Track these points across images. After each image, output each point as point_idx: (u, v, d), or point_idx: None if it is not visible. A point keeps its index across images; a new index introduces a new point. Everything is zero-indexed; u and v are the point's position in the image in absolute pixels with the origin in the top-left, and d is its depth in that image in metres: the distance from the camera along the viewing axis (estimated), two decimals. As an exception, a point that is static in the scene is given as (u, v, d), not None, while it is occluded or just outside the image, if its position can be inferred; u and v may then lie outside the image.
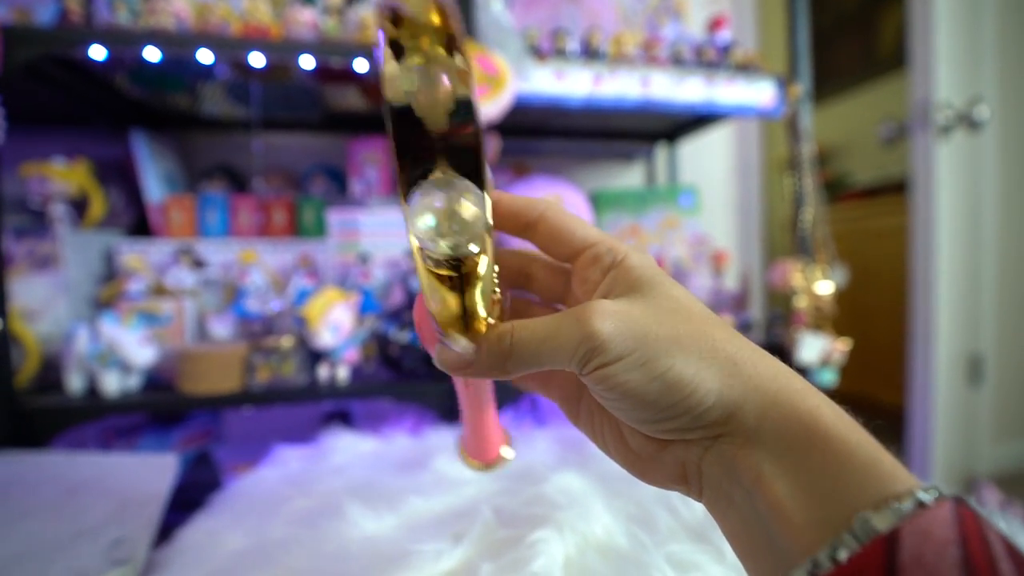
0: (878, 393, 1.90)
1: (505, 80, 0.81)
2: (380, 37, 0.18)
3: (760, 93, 0.99)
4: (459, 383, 0.26)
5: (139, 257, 0.88)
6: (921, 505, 0.16)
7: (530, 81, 0.87)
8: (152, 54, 0.76)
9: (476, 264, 0.19)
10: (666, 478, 0.22)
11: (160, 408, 0.81)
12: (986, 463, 1.40)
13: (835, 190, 2.15)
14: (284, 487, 0.52)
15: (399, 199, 0.20)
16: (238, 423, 1.06)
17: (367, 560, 0.37)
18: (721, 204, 1.48)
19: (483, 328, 0.20)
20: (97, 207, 0.91)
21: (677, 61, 0.97)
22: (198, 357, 0.77)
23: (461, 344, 0.20)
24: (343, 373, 0.82)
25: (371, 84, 0.99)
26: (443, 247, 0.18)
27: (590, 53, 0.93)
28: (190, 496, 0.59)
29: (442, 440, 0.65)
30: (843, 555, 0.16)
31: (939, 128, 1.21)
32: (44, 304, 0.82)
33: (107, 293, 0.87)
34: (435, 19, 0.17)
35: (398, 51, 0.17)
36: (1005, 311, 1.39)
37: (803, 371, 1.00)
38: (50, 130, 1.03)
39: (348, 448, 0.64)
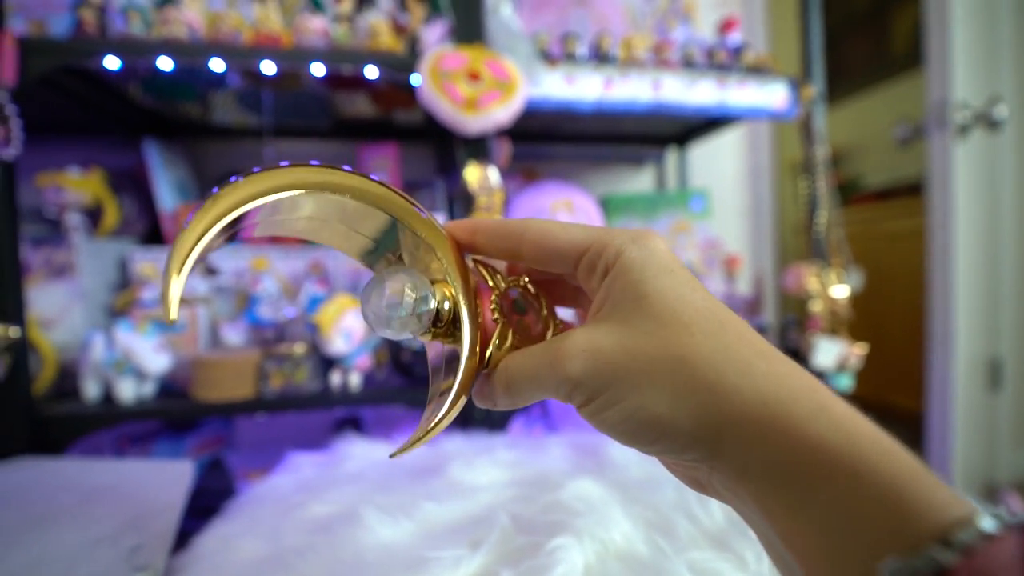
0: (895, 398, 1.87)
1: (516, 85, 0.81)
2: None
3: (772, 95, 0.98)
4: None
5: (152, 265, 0.89)
6: (964, 546, 0.12)
7: (540, 86, 0.87)
8: (165, 64, 0.77)
9: (447, 312, 0.21)
10: (683, 479, 0.21)
11: (174, 415, 0.81)
12: (1007, 470, 1.37)
13: (848, 192, 2.13)
14: (299, 493, 0.52)
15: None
16: (250, 430, 1.06)
17: (384, 567, 0.36)
18: (732, 208, 1.47)
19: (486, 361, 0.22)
20: (111, 216, 0.92)
21: (688, 64, 0.96)
22: (212, 364, 0.77)
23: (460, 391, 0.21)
24: (355, 379, 0.82)
25: (380, 91, 0.99)
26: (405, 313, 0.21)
27: (600, 57, 0.92)
28: (203, 502, 0.59)
29: (456, 447, 0.65)
30: None
31: (956, 128, 1.20)
32: (60, 312, 0.83)
33: (121, 301, 0.88)
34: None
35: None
36: (1024, 313, 1.37)
37: (819, 376, 0.99)
38: (65, 140, 1.04)
39: (362, 454, 0.64)
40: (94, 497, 0.49)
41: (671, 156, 1.37)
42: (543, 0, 1.13)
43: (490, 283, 0.23)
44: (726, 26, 1.02)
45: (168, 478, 0.54)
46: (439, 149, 1.15)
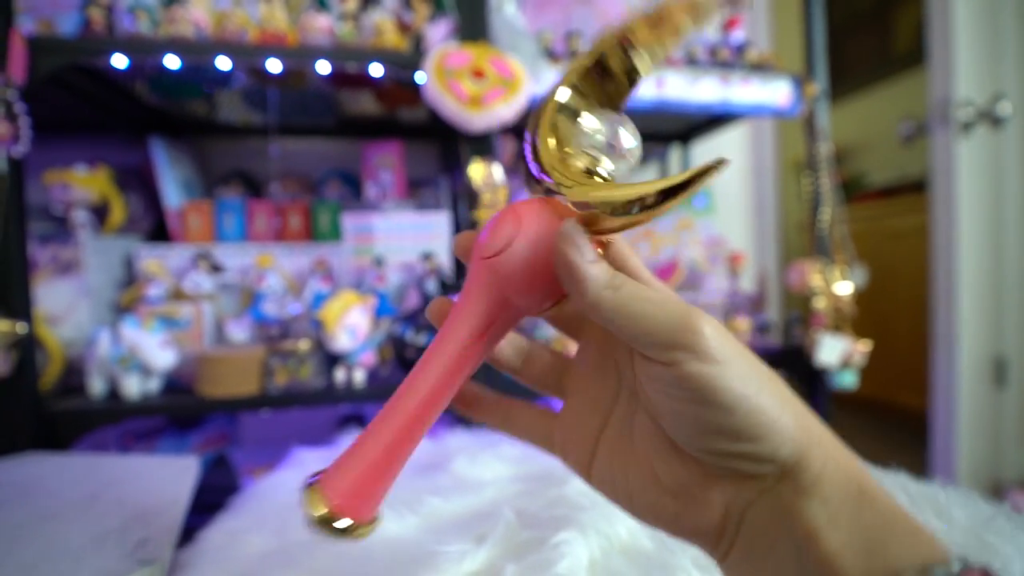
0: (899, 396, 1.87)
1: (520, 82, 0.81)
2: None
3: (776, 92, 0.98)
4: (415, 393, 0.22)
5: (158, 262, 0.89)
6: (957, 573, 0.16)
7: (544, 83, 0.87)
8: (172, 62, 0.77)
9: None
10: (703, 522, 0.20)
11: (180, 411, 0.82)
12: (1013, 468, 1.36)
13: (852, 189, 2.13)
14: (304, 489, 0.52)
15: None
16: (254, 426, 1.06)
17: (390, 561, 0.36)
18: (736, 205, 1.46)
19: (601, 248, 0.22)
20: (117, 213, 0.92)
21: (691, 61, 0.96)
22: (217, 360, 0.78)
23: (587, 253, 0.19)
24: (360, 376, 0.83)
25: (385, 89, 0.99)
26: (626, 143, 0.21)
27: (604, 54, 0.92)
28: (208, 499, 0.59)
29: (460, 443, 0.65)
30: None
31: (959, 125, 1.19)
32: (67, 309, 0.84)
33: (127, 298, 0.88)
34: None
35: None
36: (1030, 312, 1.36)
37: (822, 373, 0.99)
38: (72, 138, 1.05)
39: (366, 450, 0.64)
40: (100, 492, 0.49)
41: (675, 153, 1.37)
42: (548, 1, 1.13)
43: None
44: (729, 24, 1.02)
45: (174, 473, 0.54)
46: (443, 147, 1.16)
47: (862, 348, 0.97)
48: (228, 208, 0.97)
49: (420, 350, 0.83)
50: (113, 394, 0.77)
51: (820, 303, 0.99)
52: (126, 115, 0.99)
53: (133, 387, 0.75)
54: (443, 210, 1.04)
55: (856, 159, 2.30)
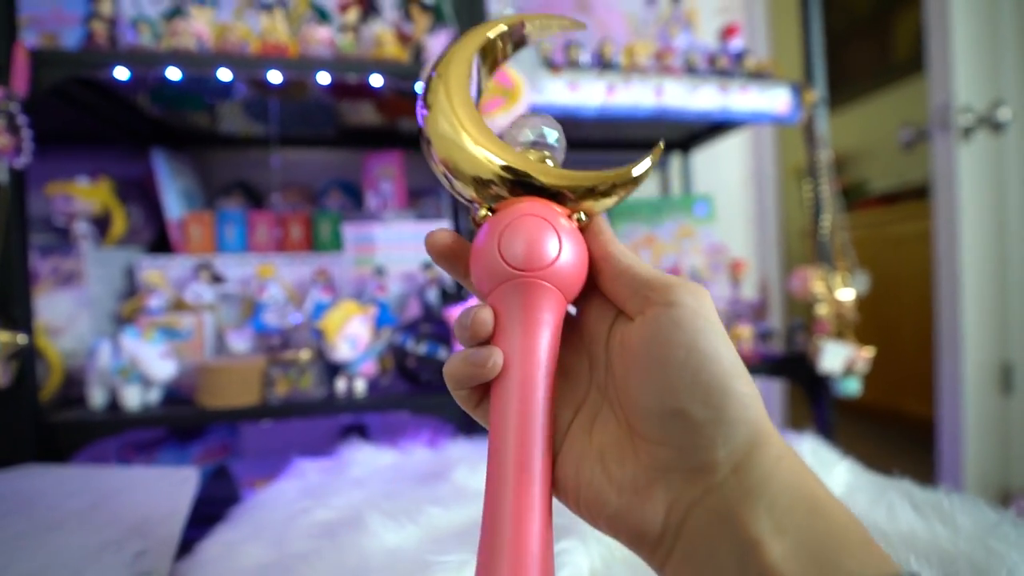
0: (903, 404, 1.85)
1: (519, 92, 0.81)
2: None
3: (775, 100, 0.99)
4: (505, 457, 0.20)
5: (159, 273, 0.90)
6: None
7: (544, 93, 0.88)
8: (174, 74, 0.78)
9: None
10: (645, 521, 0.19)
11: (180, 422, 0.82)
12: (1021, 475, 1.34)
13: (853, 196, 2.13)
14: (304, 500, 0.52)
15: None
16: (255, 437, 1.06)
17: (389, 572, 0.36)
18: (737, 213, 1.46)
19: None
20: (119, 224, 0.93)
21: (690, 70, 0.97)
22: (217, 371, 0.77)
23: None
24: (361, 386, 0.82)
25: (385, 99, 1.00)
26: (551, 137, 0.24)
27: (603, 64, 0.93)
28: (208, 511, 0.59)
29: (461, 452, 0.64)
30: None
31: (960, 131, 1.20)
32: (68, 320, 0.84)
33: (128, 308, 0.88)
34: None
35: None
36: (1035, 317, 1.35)
37: (826, 380, 0.98)
38: (74, 150, 1.06)
39: (367, 461, 0.63)
40: (99, 503, 0.49)
41: (675, 162, 1.38)
42: (546, 8, 1.14)
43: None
44: (728, 32, 1.03)
45: (173, 485, 0.54)
46: (443, 157, 1.16)
47: (865, 355, 0.96)
48: (229, 219, 0.98)
49: (420, 359, 0.83)
50: (113, 405, 0.77)
51: (823, 310, 0.99)
52: (128, 127, 1.00)
53: (133, 398, 0.75)
54: (444, 220, 1.04)
55: (857, 166, 2.30)
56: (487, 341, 0.22)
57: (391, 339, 0.86)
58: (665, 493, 0.19)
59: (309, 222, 1.03)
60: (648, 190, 1.40)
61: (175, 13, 0.85)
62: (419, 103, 0.24)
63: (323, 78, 0.82)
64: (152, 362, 0.75)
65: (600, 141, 1.25)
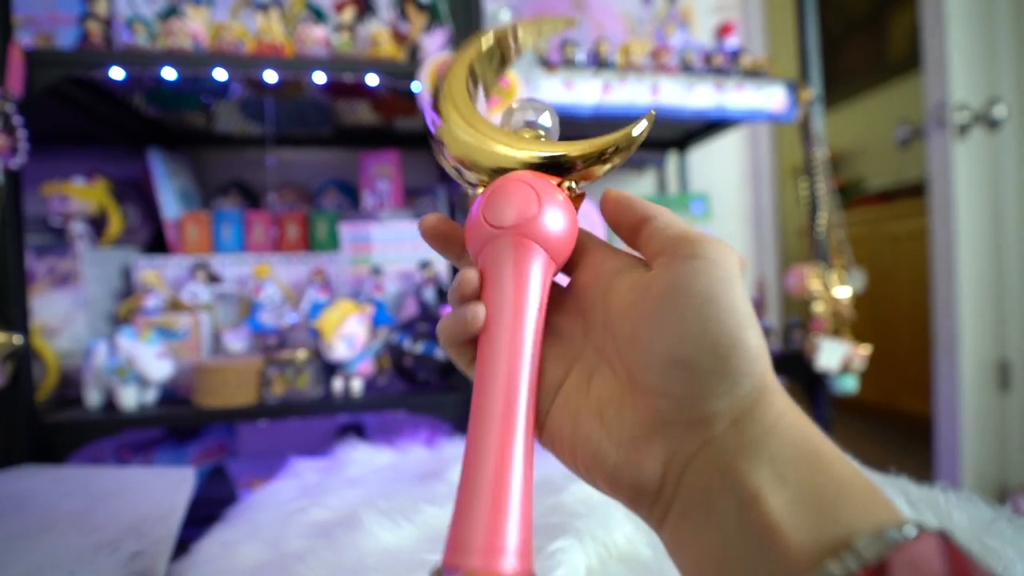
0: (900, 401, 1.85)
1: (515, 91, 0.81)
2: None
3: (771, 98, 0.99)
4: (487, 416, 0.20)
5: (156, 273, 0.89)
6: (912, 536, 0.15)
7: (540, 91, 0.88)
8: (169, 74, 0.78)
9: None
10: (643, 476, 0.19)
11: (177, 422, 0.82)
12: (1018, 473, 1.35)
13: (849, 194, 2.13)
14: (300, 499, 0.52)
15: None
16: (252, 438, 1.06)
17: (385, 571, 0.36)
18: (733, 211, 1.46)
19: None
20: (115, 224, 0.93)
21: (686, 68, 0.97)
22: (214, 371, 0.77)
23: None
24: (357, 385, 0.82)
25: (381, 99, 1.00)
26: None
27: (599, 63, 0.93)
28: (205, 511, 0.59)
29: (458, 451, 0.64)
30: (846, 572, 0.15)
31: (956, 128, 1.20)
32: (64, 320, 0.84)
33: (125, 309, 0.88)
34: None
35: None
36: (1031, 314, 1.35)
37: (823, 377, 0.98)
38: (70, 150, 1.06)
39: (364, 460, 0.63)
40: (95, 504, 0.49)
41: (671, 160, 1.38)
42: (542, 7, 1.14)
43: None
44: (723, 31, 1.03)
45: (169, 484, 0.54)
46: (440, 156, 1.16)
47: (862, 352, 0.96)
48: (226, 218, 0.98)
49: (417, 358, 0.83)
50: (110, 405, 0.77)
51: (819, 307, 0.99)
52: (124, 127, 1.00)
53: (130, 398, 0.75)
54: (440, 218, 1.04)
55: (853, 164, 2.30)
56: (475, 300, 0.22)
57: (388, 338, 0.86)
58: (664, 446, 0.19)
59: (305, 221, 1.03)
60: (645, 189, 1.40)
61: (170, 13, 0.85)
62: (431, 114, 0.26)
63: (319, 77, 0.82)
64: (149, 362, 0.75)
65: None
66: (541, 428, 0.22)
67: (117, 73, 0.77)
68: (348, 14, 0.87)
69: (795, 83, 1.00)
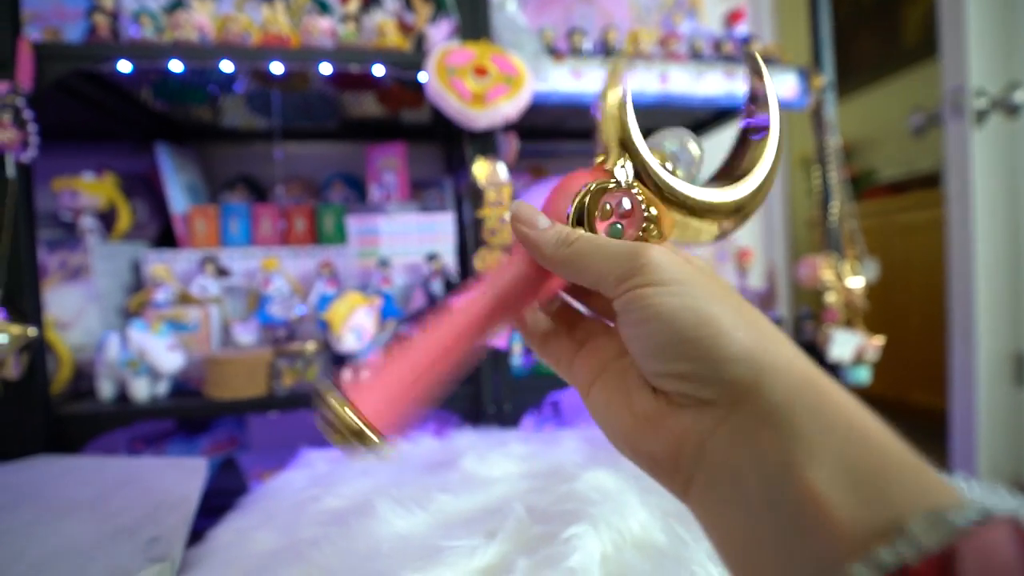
0: (912, 395, 1.83)
1: (523, 80, 0.81)
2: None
3: (782, 85, 0.97)
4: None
5: (165, 267, 0.90)
6: (978, 522, 0.13)
7: (547, 81, 0.87)
8: (176, 66, 0.78)
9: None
10: (656, 449, 0.20)
11: (188, 413, 0.82)
12: (1033, 465, 1.33)
13: (861, 185, 2.10)
14: (313, 488, 0.52)
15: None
16: (263, 430, 1.06)
17: (400, 557, 0.36)
18: (743, 202, 1.45)
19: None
20: (124, 219, 0.93)
21: (695, 56, 0.96)
22: (224, 363, 0.78)
23: (539, 222, 0.23)
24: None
25: (387, 90, 1.00)
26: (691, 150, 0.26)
27: (607, 51, 0.92)
28: (217, 502, 0.59)
29: (468, 441, 0.64)
30: (901, 560, 0.13)
31: (974, 114, 1.18)
32: (76, 314, 0.84)
33: (135, 302, 0.89)
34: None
35: None
36: (1048, 305, 1.33)
37: (835, 368, 0.97)
38: (79, 146, 1.06)
39: (374, 450, 0.63)
40: (111, 491, 0.49)
41: (680, 151, 1.36)
42: (550, 0, 1.13)
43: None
44: (733, 18, 1.02)
45: (183, 473, 0.54)
46: (446, 148, 1.16)
47: (875, 343, 0.95)
48: (233, 212, 0.98)
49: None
50: (122, 397, 0.77)
51: (832, 298, 0.98)
52: (132, 122, 1.00)
53: (142, 390, 0.76)
54: (447, 211, 1.04)
55: (865, 155, 2.28)
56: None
57: (396, 330, 0.86)
58: (676, 424, 0.20)
59: (313, 215, 1.03)
60: (653, 180, 1.39)
61: (177, 5, 0.85)
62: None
63: (325, 68, 0.82)
64: (160, 354, 0.75)
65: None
66: (587, 396, 0.24)
67: (124, 66, 0.77)
68: (353, 4, 0.87)
69: (807, 70, 0.99)
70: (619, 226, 0.24)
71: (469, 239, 0.95)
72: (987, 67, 1.19)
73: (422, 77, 0.82)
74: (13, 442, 0.68)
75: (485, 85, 0.79)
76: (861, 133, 2.28)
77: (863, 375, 0.97)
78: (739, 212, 0.25)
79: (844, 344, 0.94)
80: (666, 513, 0.42)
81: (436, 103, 0.80)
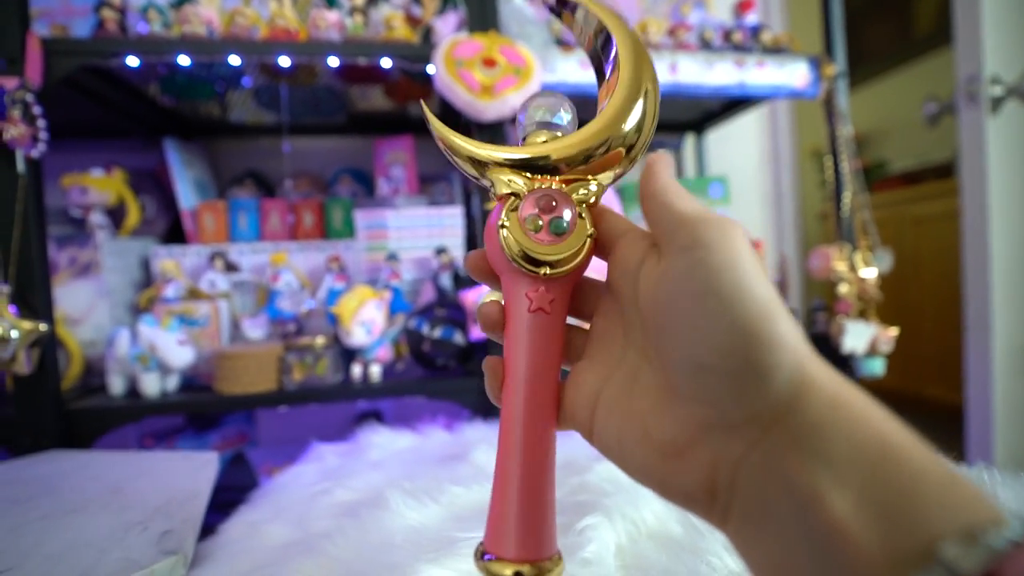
0: (930, 390, 1.81)
1: (531, 70, 0.80)
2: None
3: (793, 74, 0.96)
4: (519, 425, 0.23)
5: (174, 262, 0.90)
6: (1017, 543, 0.13)
7: (556, 71, 0.86)
8: (184, 61, 0.78)
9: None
10: (689, 483, 0.18)
11: (198, 408, 0.82)
12: (1050, 459, 1.31)
13: (873, 176, 2.08)
14: (324, 481, 0.52)
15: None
16: (272, 426, 1.06)
17: (414, 548, 0.36)
18: (753, 194, 1.44)
19: None
20: (133, 215, 0.93)
21: (705, 45, 0.95)
22: (234, 358, 0.78)
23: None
24: (376, 371, 0.82)
25: (395, 83, 0.99)
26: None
27: (615, 41, 0.91)
28: (227, 498, 0.59)
29: (479, 434, 0.64)
30: None
31: (989, 103, 1.15)
32: (86, 310, 0.84)
33: (145, 298, 0.89)
34: None
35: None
36: (1064, 296, 1.31)
37: (849, 360, 0.96)
38: (87, 142, 1.06)
39: (385, 444, 0.63)
40: (123, 486, 0.49)
41: (689, 143, 1.35)
42: (555, -12, 1.12)
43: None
44: (742, 7, 1.00)
45: (194, 467, 0.54)
46: (454, 142, 1.15)
47: (889, 334, 0.94)
48: (242, 208, 0.98)
49: (435, 342, 0.83)
50: (133, 392, 0.77)
51: (845, 289, 0.96)
52: (139, 118, 1.00)
53: (152, 385, 0.76)
54: (456, 205, 1.03)
55: (877, 145, 2.25)
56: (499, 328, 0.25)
57: (406, 324, 0.86)
58: (707, 453, 0.18)
59: (321, 209, 1.02)
60: (662, 173, 1.38)
61: (184, 0, 0.84)
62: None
63: (333, 61, 0.81)
64: (170, 349, 0.76)
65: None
66: (591, 433, 0.23)
67: (132, 61, 0.76)
68: (360, -3, 0.86)
69: (818, 59, 0.97)
70: (562, 223, 0.23)
71: (478, 233, 0.95)
72: (1002, 54, 1.17)
73: (430, 69, 0.81)
74: (25, 437, 0.68)
75: (494, 76, 0.78)
76: (873, 123, 2.25)
77: (877, 366, 0.95)
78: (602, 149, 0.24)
79: (858, 335, 0.93)
80: (682, 505, 0.41)
81: (444, 95, 0.79)
